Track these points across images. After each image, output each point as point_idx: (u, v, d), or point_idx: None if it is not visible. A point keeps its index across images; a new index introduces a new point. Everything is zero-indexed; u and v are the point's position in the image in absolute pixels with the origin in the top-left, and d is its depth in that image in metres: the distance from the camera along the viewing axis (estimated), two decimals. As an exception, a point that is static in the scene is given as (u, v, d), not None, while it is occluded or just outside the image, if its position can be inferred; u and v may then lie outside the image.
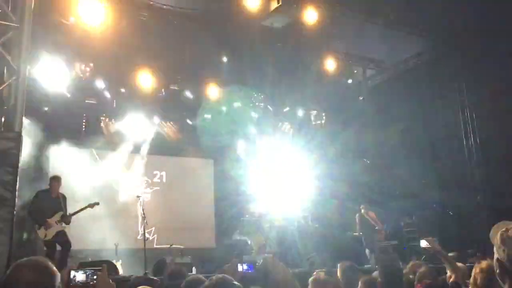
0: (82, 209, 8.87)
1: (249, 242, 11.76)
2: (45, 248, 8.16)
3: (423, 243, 4.42)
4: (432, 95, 11.05)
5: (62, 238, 8.32)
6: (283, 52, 11.06)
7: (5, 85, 5.13)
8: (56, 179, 8.62)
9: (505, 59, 8.65)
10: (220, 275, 2.21)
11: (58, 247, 8.35)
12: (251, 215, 11.98)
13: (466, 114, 10.13)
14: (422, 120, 11.51)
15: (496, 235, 2.45)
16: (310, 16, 9.18)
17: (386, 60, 11.85)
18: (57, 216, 8.39)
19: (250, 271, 2.53)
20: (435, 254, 4.36)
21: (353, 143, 13.65)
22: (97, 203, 9.14)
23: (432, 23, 9.49)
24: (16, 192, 4.42)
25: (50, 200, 8.46)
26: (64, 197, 8.71)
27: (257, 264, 2.33)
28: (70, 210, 8.79)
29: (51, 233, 8.23)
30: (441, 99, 10.83)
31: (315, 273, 3.18)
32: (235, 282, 2.09)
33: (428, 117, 11.34)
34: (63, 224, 8.47)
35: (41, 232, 8.14)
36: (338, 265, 4.15)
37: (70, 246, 8.41)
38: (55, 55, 9.62)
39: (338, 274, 4.04)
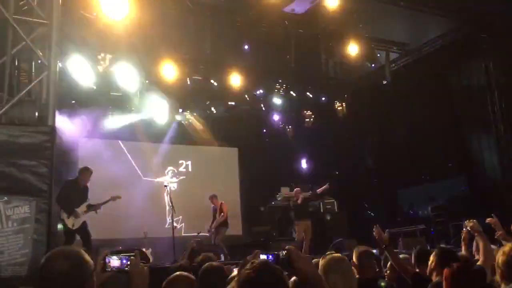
0: (104, 202, 9.03)
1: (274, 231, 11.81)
2: (64, 237, 8.20)
3: (466, 225, 4.39)
4: (458, 76, 10.85)
5: (85, 229, 8.51)
6: (305, 38, 10.99)
7: (37, 80, 5.27)
8: (88, 171, 8.80)
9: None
10: (262, 259, 2.26)
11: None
12: (277, 202, 12.04)
13: (494, 95, 9.90)
14: (448, 102, 11.33)
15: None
16: (331, 0, 9.10)
17: (409, 43, 11.64)
18: (83, 207, 8.57)
19: (272, 261, 2.55)
20: (476, 236, 4.34)
21: (377, 129, 13.56)
22: (119, 197, 9.28)
23: (456, 2, 9.27)
24: (52, 184, 4.59)
25: (78, 190, 8.65)
26: (87, 188, 8.88)
27: (281, 255, 2.36)
28: (97, 200, 8.98)
29: (78, 222, 8.42)
30: (468, 80, 10.61)
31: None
32: (276, 266, 2.14)
33: (455, 99, 11.16)
34: (87, 213, 8.64)
35: (69, 221, 8.31)
36: (354, 249, 4.18)
37: (90, 237, 8.53)
38: (81, 49, 9.79)
39: (354, 258, 4.07)
